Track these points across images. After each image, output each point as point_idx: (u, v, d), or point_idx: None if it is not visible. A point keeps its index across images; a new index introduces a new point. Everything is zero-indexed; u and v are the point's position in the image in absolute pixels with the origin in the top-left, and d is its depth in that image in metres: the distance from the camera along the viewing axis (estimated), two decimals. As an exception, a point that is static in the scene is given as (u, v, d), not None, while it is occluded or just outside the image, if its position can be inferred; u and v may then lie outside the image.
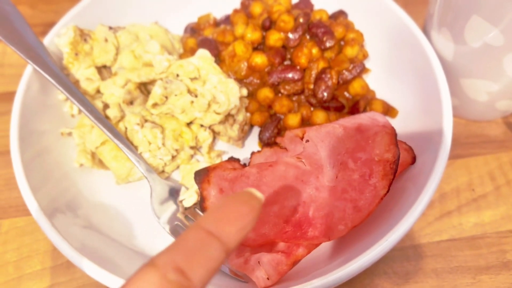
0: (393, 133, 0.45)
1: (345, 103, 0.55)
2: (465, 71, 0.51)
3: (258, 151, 0.49)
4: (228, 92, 0.51)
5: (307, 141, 0.45)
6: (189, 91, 0.51)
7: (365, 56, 0.56)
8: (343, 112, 0.55)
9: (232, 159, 0.48)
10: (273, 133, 0.53)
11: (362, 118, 0.47)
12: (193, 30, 0.62)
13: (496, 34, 0.44)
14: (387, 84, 0.57)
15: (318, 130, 0.45)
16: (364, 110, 0.54)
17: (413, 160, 0.48)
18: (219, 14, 0.64)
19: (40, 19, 0.71)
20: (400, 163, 0.48)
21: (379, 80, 0.58)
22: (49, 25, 0.68)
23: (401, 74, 0.55)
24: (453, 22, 0.48)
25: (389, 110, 0.54)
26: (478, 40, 0.47)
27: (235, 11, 0.60)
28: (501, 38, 0.45)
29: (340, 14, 0.60)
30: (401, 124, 0.53)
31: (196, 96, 0.51)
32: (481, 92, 0.52)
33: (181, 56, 0.58)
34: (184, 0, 0.65)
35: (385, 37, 0.57)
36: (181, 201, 0.49)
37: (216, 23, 0.62)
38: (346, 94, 0.55)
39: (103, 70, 0.56)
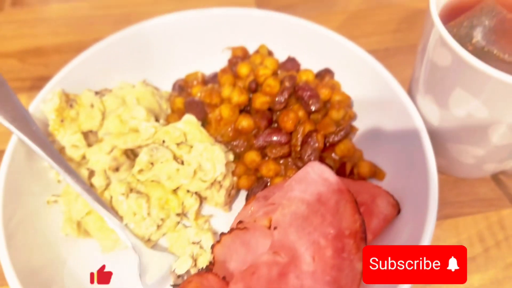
0: (352, 199, 0.46)
1: (332, 164, 0.55)
2: (451, 137, 0.51)
3: (218, 242, 0.48)
4: (214, 159, 0.50)
5: (275, 228, 0.44)
6: (175, 158, 0.51)
7: (351, 117, 0.56)
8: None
9: (205, 272, 0.47)
10: (260, 197, 0.53)
11: (314, 181, 0.47)
12: (181, 87, 0.62)
13: (480, 106, 0.45)
14: (375, 144, 0.57)
15: (283, 213, 0.45)
16: (351, 173, 0.54)
17: (398, 212, 0.50)
18: (208, 70, 0.64)
19: (29, 73, 0.71)
20: (385, 217, 0.49)
21: (366, 139, 0.58)
22: (39, 79, 0.69)
23: (387, 135, 0.55)
24: (437, 91, 0.48)
25: (376, 173, 0.54)
26: (462, 110, 0.47)
27: (222, 70, 0.60)
28: (484, 110, 0.45)
29: (326, 73, 0.60)
30: (388, 186, 0.53)
31: (182, 162, 0.51)
32: (467, 156, 0.52)
33: (168, 117, 0.58)
34: (172, 56, 0.65)
35: (372, 97, 0.57)
36: (173, 271, 0.48)
37: (204, 81, 0.62)
38: (334, 155, 0.55)
39: (89, 135, 0.55)
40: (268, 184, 0.54)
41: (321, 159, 0.55)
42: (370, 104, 0.58)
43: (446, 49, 0.43)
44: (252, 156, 0.54)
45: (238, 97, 0.55)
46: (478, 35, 0.47)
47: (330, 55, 0.61)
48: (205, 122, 0.56)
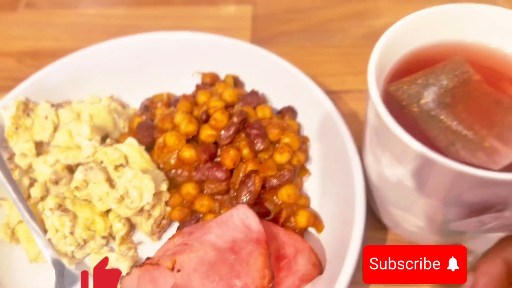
0: (267, 252, 0.44)
1: (272, 208, 0.53)
2: (391, 200, 0.47)
3: (128, 274, 0.47)
4: (142, 188, 0.50)
5: (179, 271, 0.43)
6: (109, 180, 0.51)
7: (301, 161, 0.53)
8: (267, 218, 0.52)
9: None
10: (190, 231, 0.51)
11: (235, 226, 0.46)
12: (146, 107, 0.62)
13: (408, 176, 0.40)
14: (323, 192, 0.54)
15: (189, 256, 0.43)
16: (287, 220, 0.51)
17: (320, 273, 0.47)
18: (183, 92, 0.64)
19: (23, 73, 0.72)
20: (302, 277, 0.47)
21: (317, 186, 0.55)
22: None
23: (334, 186, 0.52)
24: (373, 150, 0.44)
25: (315, 224, 0.51)
26: (393, 176, 0.42)
27: (184, 96, 0.59)
28: (412, 181, 0.40)
29: (287, 111, 0.58)
30: (325, 239, 0.50)
31: (114, 186, 0.51)
32: (410, 225, 0.47)
33: (120, 137, 0.58)
34: (150, 74, 0.65)
35: (327, 142, 0.54)
36: None
37: (169, 104, 0.62)
38: (275, 198, 0.53)
39: (44, 145, 0.57)
40: (201, 219, 0.52)
41: (261, 202, 0.53)
42: (325, 149, 0.55)
43: (374, 110, 0.40)
44: (189, 189, 0.52)
45: (186, 127, 0.54)
46: (429, 96, 0.43)
47: (296, 93, 0.58)
48: (152, 147, 0.56)
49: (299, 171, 0.55)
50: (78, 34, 0.78)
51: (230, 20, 0.78)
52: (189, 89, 0.63)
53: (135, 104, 0.65)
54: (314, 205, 0.54)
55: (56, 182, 0.53)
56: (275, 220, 0.52)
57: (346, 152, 0.50)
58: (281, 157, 0.52)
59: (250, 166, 0.52)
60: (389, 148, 0.40)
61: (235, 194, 0.52)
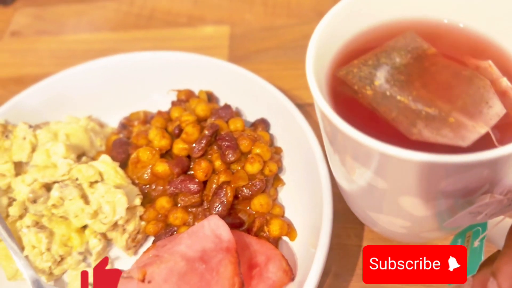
0: (236, 260, 0.45)
1: (246, 218, 0.53)
2: (368, 205, 0.45)
3: None
4: (115, 203, 0.51)
5: (149, 282, 0.44)
6: (83, 196, 0.52)
7: (273, 171, 0.54)
8: (241, 229, 0.53)
9: None
10: (165, 244, 0.52)
11: (206, 236, 0.47)
12: (123, 125, 0.63)
13: (375, 177, 0.39)
14: (296, 201, 0.55)
15: (160, 267, 0.44)
16: (260, 230, 0.52)
17: (291, 279, 0.48)
18: (162, 108, 0.65)
19: (7, 99, 0.75)
20: (273, 283, 0.47)
21: (291, 195, 0.56)
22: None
23: (305, 196, 0.53)
24: (333, 155, 0.42)
25: (288, 232, 0.52)
26: (361, 180, 0.42)
27: (159, 113, 0.61)
28: (382, 181, 0.38)
29: (260, 123, 0.59)
30: (298, 247, 0.51)
31: (89, 202, 0.52)
32: (396, 226, 0.46)
33: (96, 154, 0.59)
34: (129, 93, 0.67)
35: (299, 152, 0.55)
36: None
37: (146, 121, 0.63)
38: (249, 209, 0.54)
39: (23, 165, 0.58)
40: (175, 232, 0.53)
41: (235, 212, 0.53)
42: (297, 159, 0.56)
43: (317, 105, 0.36)
44: (162, 202, 0.53)
45: (159, 141, 0.55)
46: (381, 76, 0.40)
47: (269, 106, 0.60)
48: (127, 163, 0.57)
49: (273, 181, 0.56)
50: (61, 59, 0.80)
51: (208, 40, 0.80)
52: (166, 107, 0.65)
53: (114, 123, 0.66)
54: (289, 214, 0.55)
55: (34, 201, 0.54)
56: (249, 230, 0.52)
57: (315, 162, 0.51)
58: (252, 167, 0.53)
59: (223, 178, 0.53)
60: (344, 149, 0.38)
61: (208, 205, 0.53)
